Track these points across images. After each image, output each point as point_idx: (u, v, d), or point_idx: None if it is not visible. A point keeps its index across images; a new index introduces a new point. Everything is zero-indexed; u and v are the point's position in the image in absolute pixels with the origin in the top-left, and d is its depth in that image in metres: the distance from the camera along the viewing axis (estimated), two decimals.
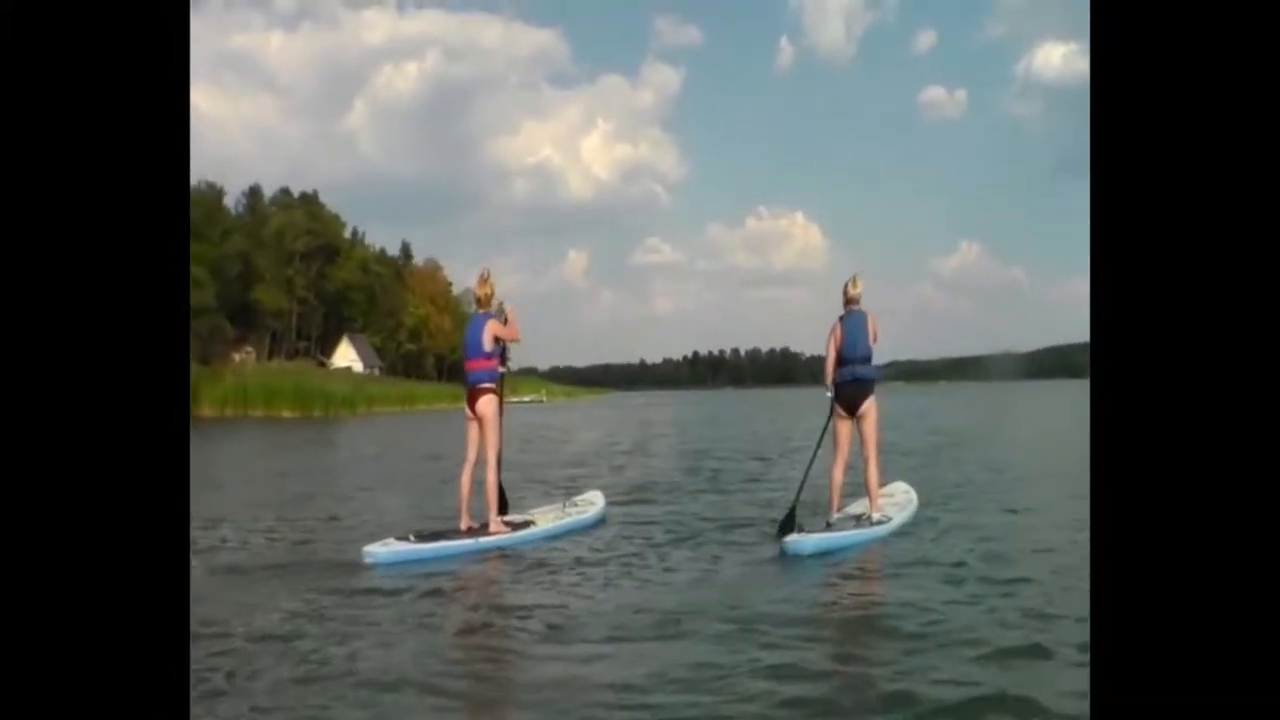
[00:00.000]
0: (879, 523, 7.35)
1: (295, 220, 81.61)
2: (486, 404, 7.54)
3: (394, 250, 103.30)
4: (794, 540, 6.72)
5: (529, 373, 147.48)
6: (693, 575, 6.16)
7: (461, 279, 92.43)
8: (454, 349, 76.20)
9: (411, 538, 7.11)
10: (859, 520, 7.43)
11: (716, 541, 7.38)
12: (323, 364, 76.02)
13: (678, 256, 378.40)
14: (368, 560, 6.65)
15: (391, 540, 7.01)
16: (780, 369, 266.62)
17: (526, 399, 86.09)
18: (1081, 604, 5.11)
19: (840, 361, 7.50)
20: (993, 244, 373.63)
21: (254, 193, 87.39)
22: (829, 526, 7.26)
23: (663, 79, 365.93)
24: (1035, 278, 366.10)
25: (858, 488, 7.94)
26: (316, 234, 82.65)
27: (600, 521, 8.48)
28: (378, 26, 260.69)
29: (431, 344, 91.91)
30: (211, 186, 73.71)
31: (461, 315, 78.68)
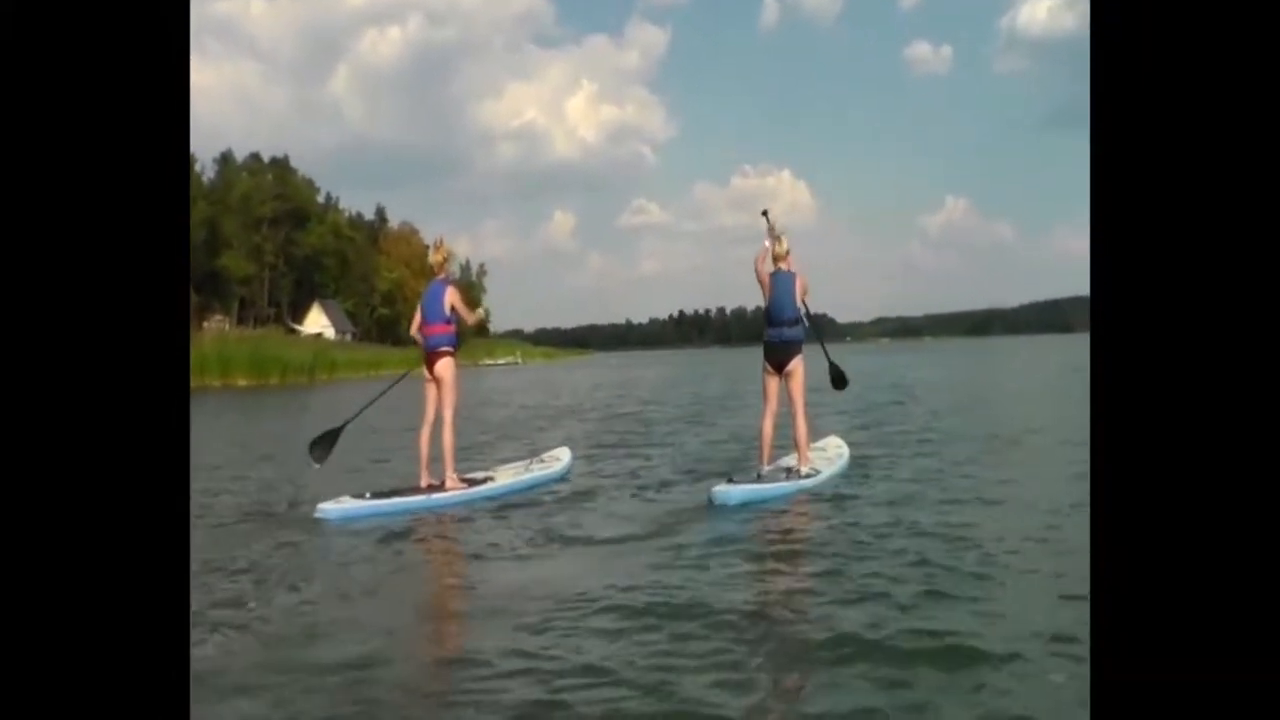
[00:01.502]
0: (807, 476, 7.57)
1: (262, 185, 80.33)
2: (445, 366, 7.75)
3: (371, 214, 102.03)
4: (722, 490, 6.90)
5: (515, 335, 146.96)
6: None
7: (448, 242, 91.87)
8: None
9: (367, 495, 7.26)
10: (789, 473, 7.64)
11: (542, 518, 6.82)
12: (293, 330, 74.68)
13: (665, 217, 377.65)
14: (319, 516, 6.79)
15: (346, 498, 7.13)
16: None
17: (501, 361, 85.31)
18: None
19: (768, 321, 7.74)
20: (979, 199, 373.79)
21: (225, 158, 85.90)
22: (759, 478, 7.43)
23: (648, 39, 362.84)
24: (1022, 233, 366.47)
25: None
26: (285, 199, 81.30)
27: (562, 478, 8.50)
28: None
29: (407, 308, 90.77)
30: None
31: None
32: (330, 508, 6.88)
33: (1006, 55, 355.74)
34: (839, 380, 8.55)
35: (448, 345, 7.75)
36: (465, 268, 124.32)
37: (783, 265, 7.72)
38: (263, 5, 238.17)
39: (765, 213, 7.96)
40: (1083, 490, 6.70)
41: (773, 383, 7.79)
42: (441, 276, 7.89)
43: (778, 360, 7.72)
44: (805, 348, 7.76)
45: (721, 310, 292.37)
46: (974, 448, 9.83)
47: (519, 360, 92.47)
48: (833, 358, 8.33)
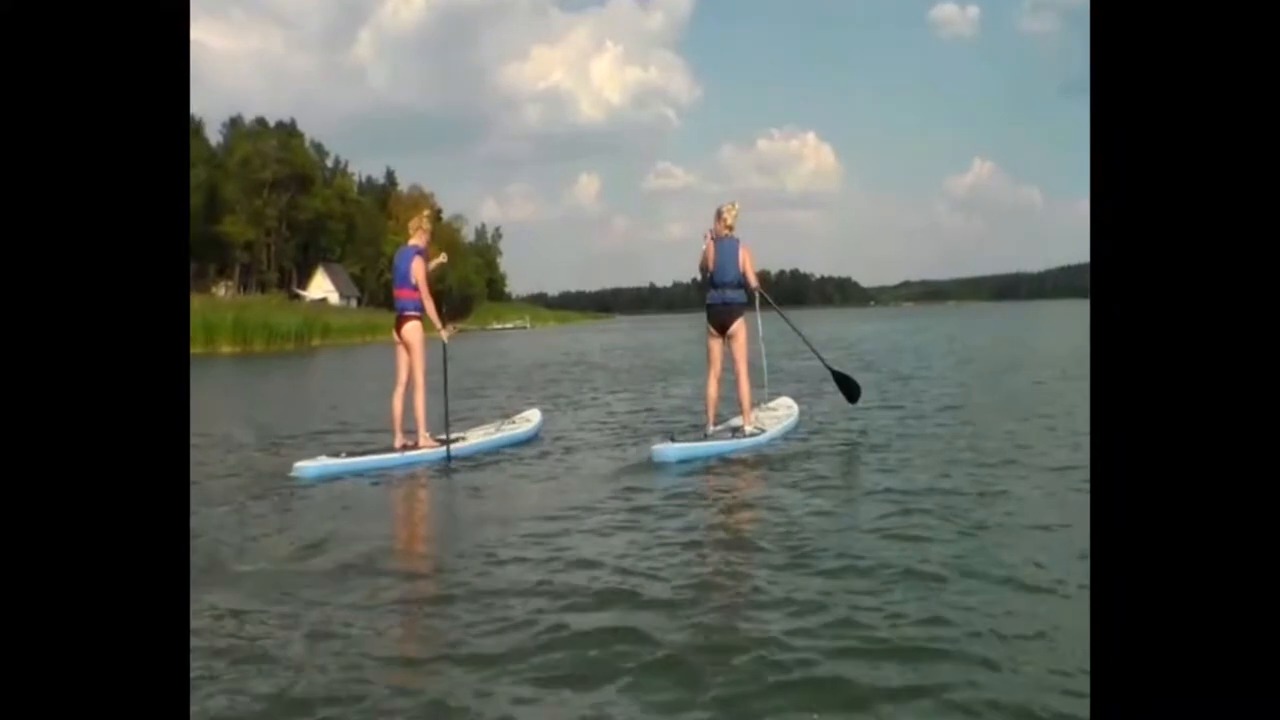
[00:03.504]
0: (751, 435, 7.88)
1: (263, 149, 79.53)
2: (413, 330, 7.99)
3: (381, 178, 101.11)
4: (660, 448, 7.26)
5: (538, 298, 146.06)
6: None
7: (474, 206, 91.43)
8: (439, 277, 74.81)
9: (344, 454, 7.57)
10: (735, 432, 7.95)
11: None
12: (297, 296, 74.06)
13: (690, 180, 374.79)
14: (296, 474, 7.01)
15: (323, 456, 7.40)
16: (790, 290, 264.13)
17: (509, 325, 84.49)
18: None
19: (712, 284, 8.00)
20: (1006, 162, 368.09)
21: (234, 123, 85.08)
22: (706, 438, 7.79)
23: (672, 1, 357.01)
24: (1049, 196, 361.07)
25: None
26: (287, 163, 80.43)
27: (533, 438, 8.73)
28: None
29: None
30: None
31: (449, 243, 76.37)
32: (307, 465, 7.11)
33: (1034, 16, 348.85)
34: (850, 391, 8.93)
35: (414, 310, 7.96)
36: (481, 231, 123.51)
37: (727, 233, 7.97)
38: None
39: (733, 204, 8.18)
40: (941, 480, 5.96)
41: (716, 345, 8.09)
42: (414, 243, 8.04)
43: (720, 322, 7.99)
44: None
45: None
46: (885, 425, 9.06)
47: (528, 325, 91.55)
48: (834, 365, 8.63)
